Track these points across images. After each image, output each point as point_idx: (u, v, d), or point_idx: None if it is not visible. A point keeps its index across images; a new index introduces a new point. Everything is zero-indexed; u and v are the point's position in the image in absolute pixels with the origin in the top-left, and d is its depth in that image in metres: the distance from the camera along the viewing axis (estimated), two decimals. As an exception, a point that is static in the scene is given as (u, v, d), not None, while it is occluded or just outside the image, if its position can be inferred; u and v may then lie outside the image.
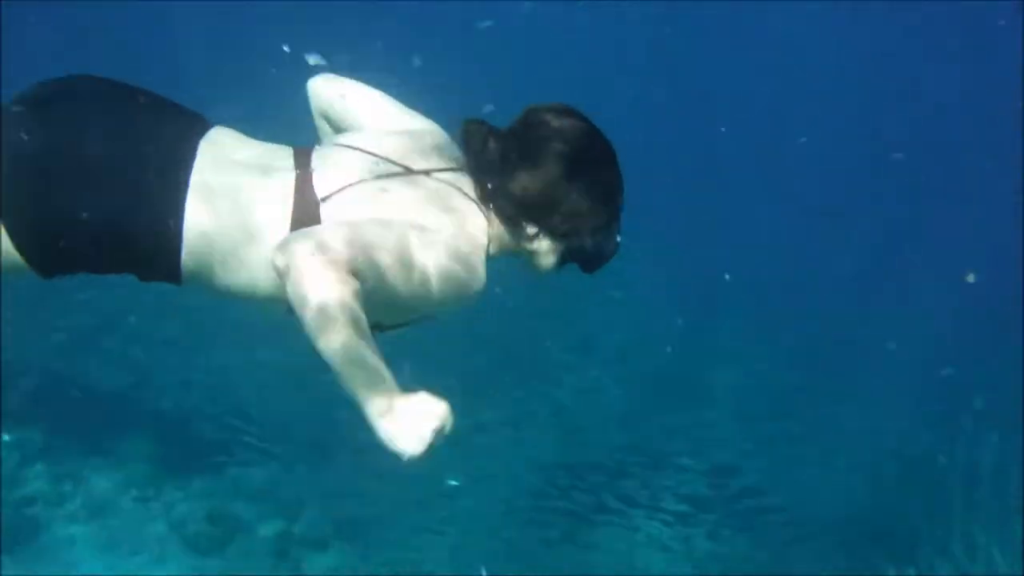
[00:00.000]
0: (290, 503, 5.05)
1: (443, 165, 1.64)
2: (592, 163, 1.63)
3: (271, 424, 5.31)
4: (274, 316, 1.57)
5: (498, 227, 1.63)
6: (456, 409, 1.40)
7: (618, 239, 1.69)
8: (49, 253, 1.44)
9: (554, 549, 5.09)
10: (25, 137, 1.41)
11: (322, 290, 1.28)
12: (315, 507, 5.05)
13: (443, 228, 1.52)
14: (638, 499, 5.43)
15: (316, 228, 1.43)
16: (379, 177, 1.55)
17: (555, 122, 1.62)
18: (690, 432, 5.93)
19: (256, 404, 5.37)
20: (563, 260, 1.69)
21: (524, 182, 1.59)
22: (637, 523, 5.33)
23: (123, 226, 1.43)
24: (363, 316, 1.33)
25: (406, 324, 1.62)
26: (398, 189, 1.55)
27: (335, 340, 1.29)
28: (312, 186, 1.51)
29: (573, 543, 5.14)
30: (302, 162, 1.56)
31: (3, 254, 1.43)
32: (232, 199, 1.47)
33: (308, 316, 1.28)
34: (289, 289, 1.31)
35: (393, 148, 1.62)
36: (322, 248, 1.32)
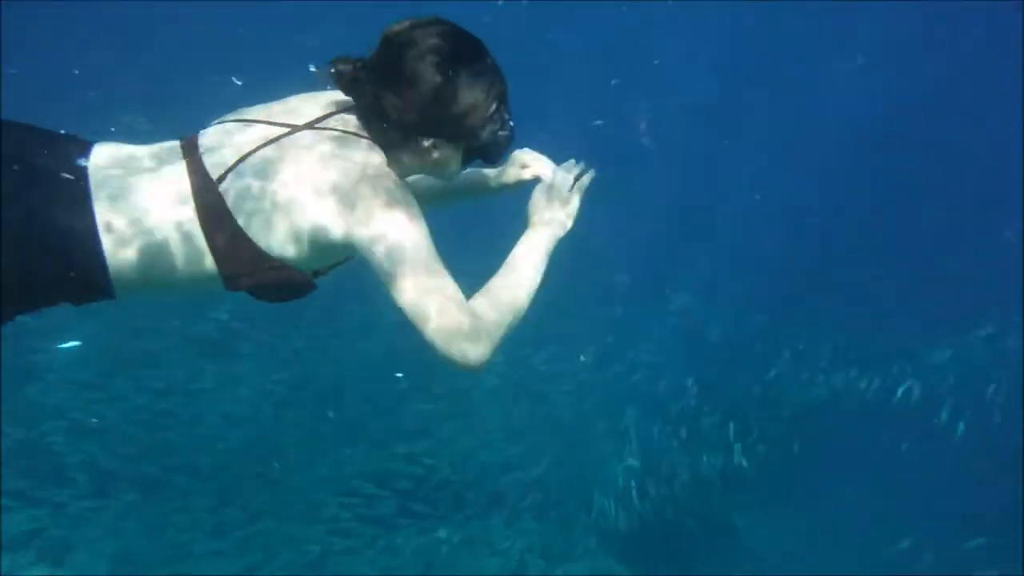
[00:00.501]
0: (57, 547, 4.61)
1: (326, 112, 1.67)
2: (461, 61, 1.64)
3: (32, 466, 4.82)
4: (210, 294, 1.67)
5: (396, 152, 1.68)
6: None
7: (511, 123, 1.74)
8: None
9: (357, 556, 5.11)
10: None
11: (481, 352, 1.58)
12: (87, 548, 4.65)
13: (350, 177, 1.56)
14: (441, 501, 5.61)
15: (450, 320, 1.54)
16: (267, 144, 1.60)
17: (414, 34, 1.64)
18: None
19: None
20: (466, 159, 1.75)
21: (403, 101, 1.62)
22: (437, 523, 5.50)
23: (49, 264, 1.48)
24: (482, 309, 1.60)
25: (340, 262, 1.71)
26: (288, 150, 1.59)
27: (520, 309, 1.68)
28: (205, 169, 1.57)
29: (375, 549, 5.20)
30: (189, 149, 1.61)
31: None
32: (135, 204, 1.53)
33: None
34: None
35: (273, 112, 1.68)
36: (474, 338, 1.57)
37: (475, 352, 1.55)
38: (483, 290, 1.68)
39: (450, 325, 1.53)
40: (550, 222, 1.82)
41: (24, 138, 1.55)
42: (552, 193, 1.85)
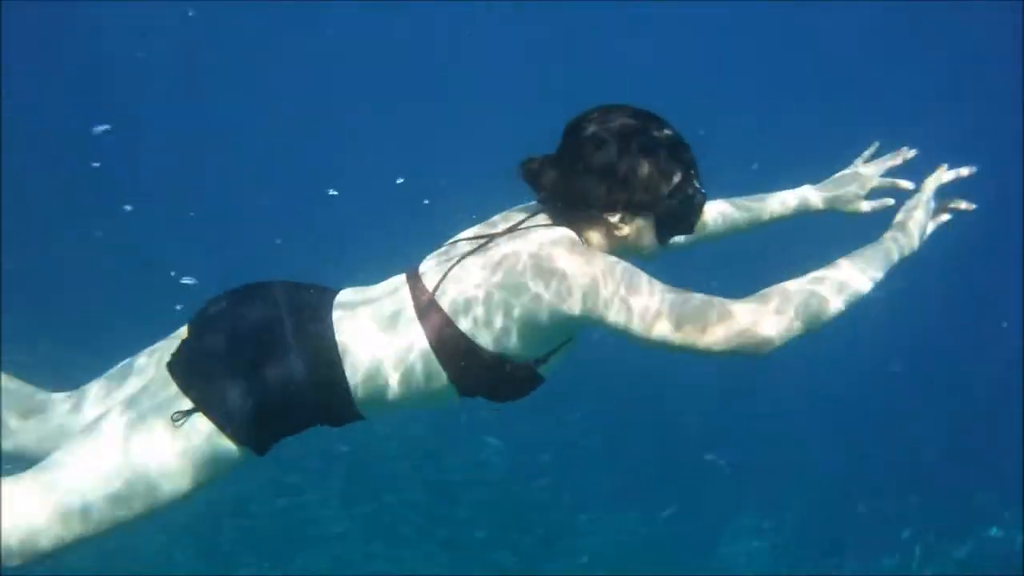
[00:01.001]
0: None
1: (522, 217, 1.83)
2: (639, 134, 1.74)
3: None
4: (449, 404, 1.83)
5: (591, 235, 1.78)
6: None
7: (700, 188, 1.79)
8: (264, 430, 1.72)
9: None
10: (226, 349, 1.71)
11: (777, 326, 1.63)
12: None
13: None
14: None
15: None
16: (470, 254, 1.77)
17: (591, 117, 1.77)
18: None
19: None
20: (661, 232, 1.81)
21: (587, 181, 1.73)
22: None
23: (306, 394, 1.71)
24: (794, 299, 1.63)
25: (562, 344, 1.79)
26: (492, 253, 1.74)
27: (826, 300, 1.64)
28: (422, 284, 1.77)
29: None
30: (412, 275, 1.82)
31: (217, 452, 1.68)
32: (369, 335, 1.75)
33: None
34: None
35: (479, 228, 1.87)
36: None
37: (758, 339, 1.60)
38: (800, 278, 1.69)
39: (725, 334, 1.59)
40: (900, 235, 1.78)
41: (281, 293, 1.82)
42: (913, 203, 1.83)
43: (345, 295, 1.85)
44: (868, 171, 2.11)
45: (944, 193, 1.82)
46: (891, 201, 2.04)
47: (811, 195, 2.16)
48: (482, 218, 1.93)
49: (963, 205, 1.87)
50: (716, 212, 2.13)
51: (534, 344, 1.72)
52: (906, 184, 2.02)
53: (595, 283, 1.63)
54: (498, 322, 1.69)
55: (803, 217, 2.15)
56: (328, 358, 1.71)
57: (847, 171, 2.15)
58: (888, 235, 1.78)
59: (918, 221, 1.79)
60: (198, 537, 5.05)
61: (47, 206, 7.21)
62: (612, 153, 1.74)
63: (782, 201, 2.16)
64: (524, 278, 1.68)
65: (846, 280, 1.67)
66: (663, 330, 1.61)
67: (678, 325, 1.61)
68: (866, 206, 2.10)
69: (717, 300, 1.64)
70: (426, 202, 7.20)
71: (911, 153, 2.08)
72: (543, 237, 1.74)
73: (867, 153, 2.15)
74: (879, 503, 6.59)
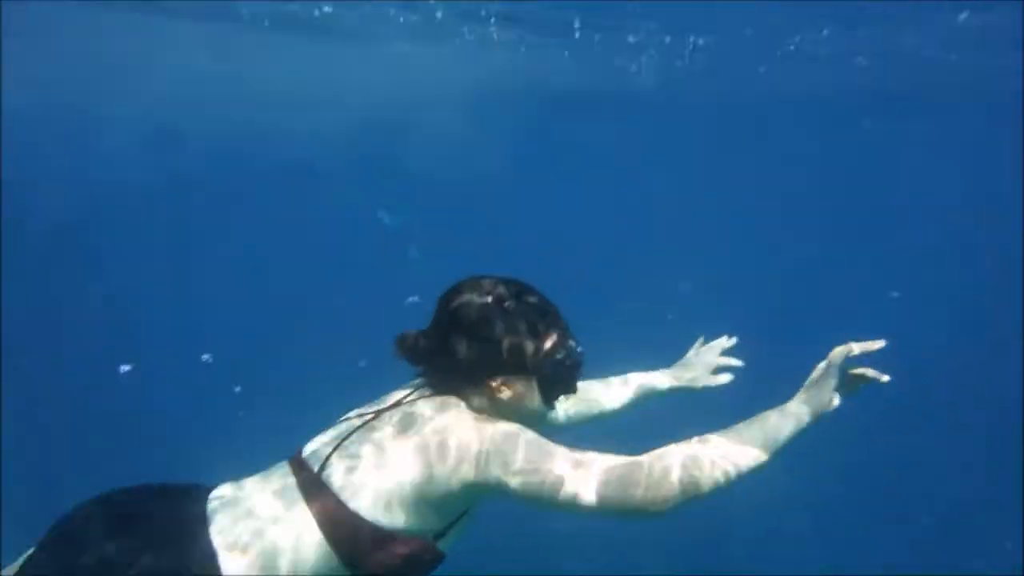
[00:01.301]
0: None
1: (406, 392, 1.86)
2: (507, 300, 1.78)
3: None
4: None
5: (475, 400, 1.79)
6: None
7: (576, 348, 1.82)
8: None
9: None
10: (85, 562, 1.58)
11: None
12: None
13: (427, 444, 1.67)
14: None
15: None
16: (356, 430, 1.76)
17: (460, 289, 1.82)
18: None
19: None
20: (545, 393, 1.81)
21: (461, 350, 1.77)
22: None
23: None
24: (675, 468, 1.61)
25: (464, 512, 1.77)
26: (377, 429, 1.74)
27: (723, 475, 1.62)
28: (308, 465, 1.74)
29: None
30: (295, 459, 1.78)
31: None
32: (252, 527, 1.66)
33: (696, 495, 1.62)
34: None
35: (364, 408, 1.87)
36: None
37: (644, 504, 1.57)
38: (707, 436, 1.67)
39: (606, 492, 1.58)
40: (799, 406, 1.72)
41: (146, 496, 1.74)
42: (816, 375, 1.75)
43: (222, 490, 1.77)
44: (708, 355, 2.39)
45: (855, 364, 1.75)
46: (730, 377, 2.32)
47: (664, 378, 2.38)
48: (361, 402, 1.92)
49: (873, 375, 1.74)
50: (576, 403, 2.24)
51: (430, 517, 1.69)
52: (736, 362, 2.34)
53: (485, 449, 1.64)
54: (389, 498, 1.65)
55: (660, 398, 2.37)
56: (206, 558, 1.61)
57: (686, 359, 2.42)
58: (788, 405, 1.73)
59: (818, 394, 1.73)
60: None
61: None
62: (486, 321, 1.76)
63: (639, 385, 2.35)
64: (413, 451, 1.67)
65: (736, 450, 1.64)
66: (553, 493, 1.59)
67: (566, 488, 1.59)
68: (712, 381, 2.33)
69: (608, 463, 1.61)
70: (237, 389, 6.28)
71: (733, 340, 2.39)
72: (429, 408, 1.75)
73: (696, 346, 2.43)
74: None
